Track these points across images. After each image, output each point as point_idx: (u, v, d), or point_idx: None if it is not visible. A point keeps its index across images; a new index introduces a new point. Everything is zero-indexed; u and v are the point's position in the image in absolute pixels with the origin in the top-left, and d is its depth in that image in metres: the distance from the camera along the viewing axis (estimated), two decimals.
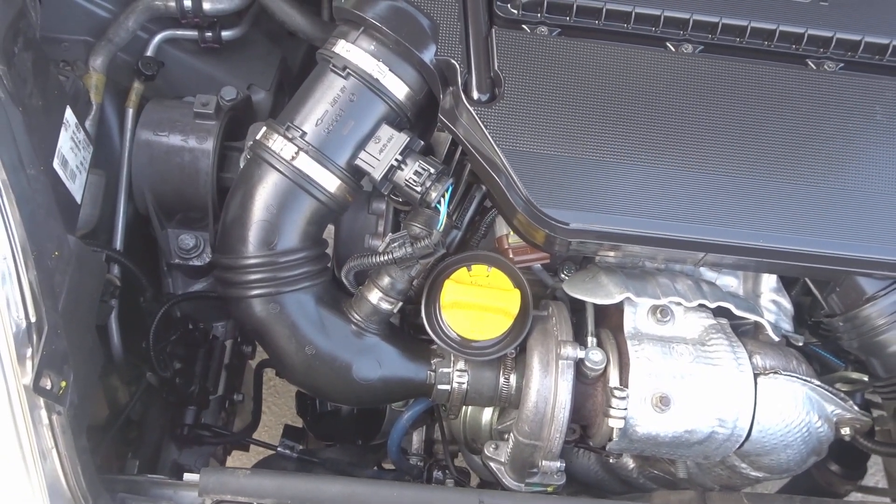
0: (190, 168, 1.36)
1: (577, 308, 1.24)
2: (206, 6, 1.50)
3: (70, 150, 1.09)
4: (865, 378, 1.28)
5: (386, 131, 1.09)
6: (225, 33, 1.58)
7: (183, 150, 1.36)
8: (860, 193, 1.09)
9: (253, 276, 1.09)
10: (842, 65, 1.15)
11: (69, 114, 1.07)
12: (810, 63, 1.15)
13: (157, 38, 1.53)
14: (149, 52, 1.52)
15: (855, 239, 1.07)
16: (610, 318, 1.22)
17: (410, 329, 1.31)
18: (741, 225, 1.07)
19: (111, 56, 1.45)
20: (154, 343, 1.32)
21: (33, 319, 0.80)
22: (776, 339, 1.18)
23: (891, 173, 1.09)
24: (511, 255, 1.24)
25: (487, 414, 1.33)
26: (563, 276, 1.29)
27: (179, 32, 1.55)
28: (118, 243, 1.40)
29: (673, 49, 1.14)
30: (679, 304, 1.16)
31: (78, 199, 1.13)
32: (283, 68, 1.74)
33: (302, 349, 1.11)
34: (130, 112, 1.43)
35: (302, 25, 1.41)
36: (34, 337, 0.80)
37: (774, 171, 1.09)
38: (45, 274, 0.82)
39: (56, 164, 1.03)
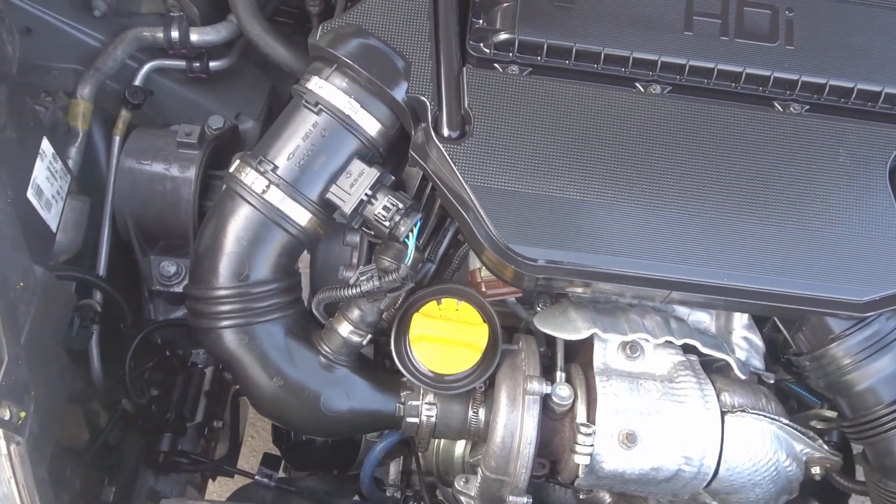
0: (172, 196, 1.38)
1: (551, 342, 1.25)
2: (194, 38, 1.53)
3: (46, 179, 1.11)
4: None
5: (357, 166, 1.11)
6: (213, 64, 1.61)
7: (165, 179, 1.38)
8: (824, 234, 1.10)
9: (223, 308, 1.11)
10: (807, 107, 1.17)
11: (46, 144, 1.10)
12: (776, 105, 1.17)
13: (146, 67, 1.56)
14: (137, 82, 1.55)
15: (819, 279, 1.08)
16: (583, 353, 1.23)
17: (384, 360, 1.32)
18: (705, 263, 1.08)
19: (99, 84, 1.48)
20: (131, 369, 1.34)
21: None
22: (743, 377, 1.19)
23: (854, 215, 1.10)
24: (483, 289, 1.25)
25: (460, 447, 1.34)
26: (538, 308, 1.30)
27: (168, 62, 1.58)
28: (101, 269, 1.41)
29: (642, 89, 1.16)
30: (647, 340, 1.17)
31: (53, 227, 1.15)
32: (272, 98, 1.77)
33: (270, 380, 1.12)
34: (117, 140, 1.46)
35: (286, 59, 1.44)
36: None
37: (740, 211, 1.10)
38: (8, 305, 0.83)
39: (30, 194, 1.05)
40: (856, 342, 1.14)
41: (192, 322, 1.16)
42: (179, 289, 1.45)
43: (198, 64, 1.58)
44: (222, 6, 1.56)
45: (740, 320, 1.28)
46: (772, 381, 1.27)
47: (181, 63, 1.58)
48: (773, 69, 1.16)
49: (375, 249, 1.18)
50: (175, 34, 1.51)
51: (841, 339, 1.14)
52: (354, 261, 1.27)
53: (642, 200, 1.09)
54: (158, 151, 1.40)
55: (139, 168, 1.38)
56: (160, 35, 1.51)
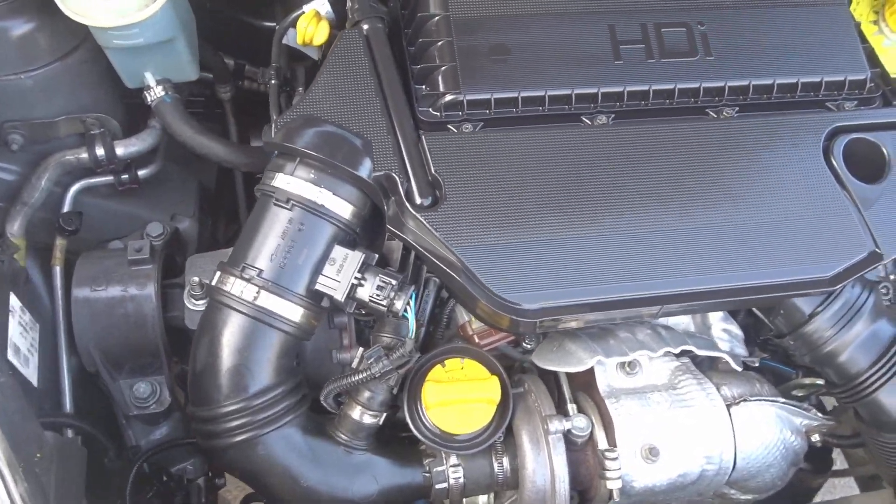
0: (135, 316, 1.33)
1: (542, 374, 1.28)
2: (120, 151, 1.49)
3: (20, 335, 1.06)
4: (819, 381, 1.37)
5: (340, 252, 1.11)
6: (142, 172, 1.57)
7: (125, 300, 1.33)
8: (781, 223, 1.18)
9: (234, 423, 1.08)
10: (738, 109, 1.25)
11: (14, 300, 1.04)
12: (710, 112, 1.25)
13: (73, 189, 1.51)
14: (66, 206, 1.50)
15: (785, 265, 1.16)
16: (578, 379, 1.27)
17: (394, 426, 1.31)
18: (686, 273, 1.14)
19: (28, 218, 1.42)
20: None
21: None
22: (739, 369, 1.25)
23: (802, 198, 1.19)
24: (477, 341, 1.27)
25: (483, 500, 1.34)
26: (525, 345, 1.33)
27: (95, 180, 1.53)
28: (68, 405, 1.35)
29: (589, 122, 1.22)
30: (648, 356, 1.22)
31: (35, 382, 1.09)
32: (201, 191, 1.74)
33: (298, 483, 1.10)
34: (58, 270, 1.39)
35: (224, 155, 1.43)
36: None
37: (702, 217, 1.17)
38: (33, 480, 0.79)
39: (10, 356, 1.00)
40: (830, 315, 1.22)
41: (202, 444, 1.12)
42: (158, 408, 1.39)
43: (126, 176, 1.54)
44: (142, 113, 1.52)
45: (715, 315, 1.35)
46: (756, 364, 1.35)
47: (109, 178, 1.53)
48: (701, 80, 1.24)
49: (372, 328, 1.18)
50: (100, 151, 1.46)
51: (816, 315, 1.23)
52: (346, 342, 1.26)
53: (614, 226, 1.14)
54: (111, 274, 1.35)
55: (95, 296, 1.33)
56: (85, 155, 1.46)
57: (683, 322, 1.36)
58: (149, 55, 1.37)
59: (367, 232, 1.19)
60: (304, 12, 1.31)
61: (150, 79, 1.41)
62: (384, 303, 1.09)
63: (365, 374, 1.09)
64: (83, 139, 1.48)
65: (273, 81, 1.34)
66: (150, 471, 1.41)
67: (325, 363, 1.27)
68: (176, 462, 1.50)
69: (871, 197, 1.21)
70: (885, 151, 1.24)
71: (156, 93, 1.42)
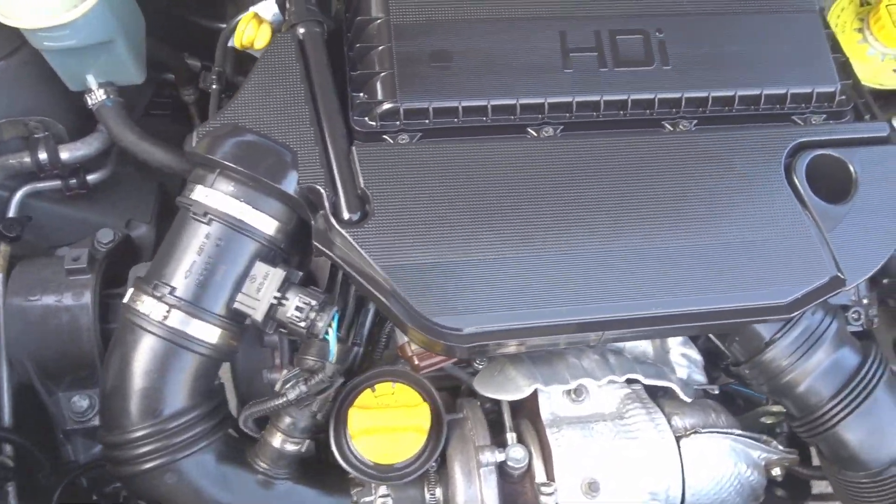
0: (70, 328, 1.28)
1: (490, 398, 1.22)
2: (65, 156, 1.44)
3: None
4: None
5: (261, 269, 1.05)
6: (91, 177, 1.53)
7: (59, 311, 1.28)
8: (737, 244, 1.10)
9: (143, 449, 1.02)
10: (696, 122, 1.18)
11: None
12: (667, 125, 1.18)
13: (18, 195, 1.47)
14: (11, 212, 1.46)
15: (740, 289, 1.09)
16: (526, 405, 1.20)
17: (327, 455, 1.25)
18: (632, 297, 1.07)
19: None
20: None
21: None
22: (688, 400, 1.18)
23: (761, 219, 1.12)
24: (416, 362, 1.21)
25: None
26: (476, 365, 1.27)
27: (41, 185, 1.48)
28: (6, 418, 1.30)
29: (535, 134, 1.15)
30: (590, 383, 1.15)
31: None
32: (161, 196, 1.69)
33: None
34: (0, 277, 1.35)
35: (167, 162, 1.37)
36: None
37: (652, 238, 1.10)
38: None
39: None
40: (788, 343, 1.15)
41: (112, 471, 1.07)
42: (97, 421, 1.35)
43: (74, 181, 1.49)
44: (91, 115, 1.48)
45: (675, 338, 1.28)
46: (717, 392, 1.28)
47: (56, 183, 1.49)
48: (656, 91, 1.17)
49: (298, 349, 1.12)
50: (43, 156, 1.42)
51: (774, 342, 1.15)
52: (277, 361, 1.21)
53: (556, 246, 1.07)
54: (47, 283, 1.30)
55: (29, 305, 1.28)
56: (27, 160, 1.42)
57: (641, 346, 1.28)
58: (87, 57, 1.32)
59: (296, 247, 1.13)
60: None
61: (91, 82, 1.36)
62: (303, 324, 1.03)
63: (281, 401, 1.03)
64: (27, 143, 1.44)
65: (214, 86, 1.29)
66: (85, 488, 1.36)
67: (256, 383, 1.21)
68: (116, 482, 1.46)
69: (834, 217, 1.13)
70: (851, 169, 1.16)
71: (97, 96, 1.37)
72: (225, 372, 1.23)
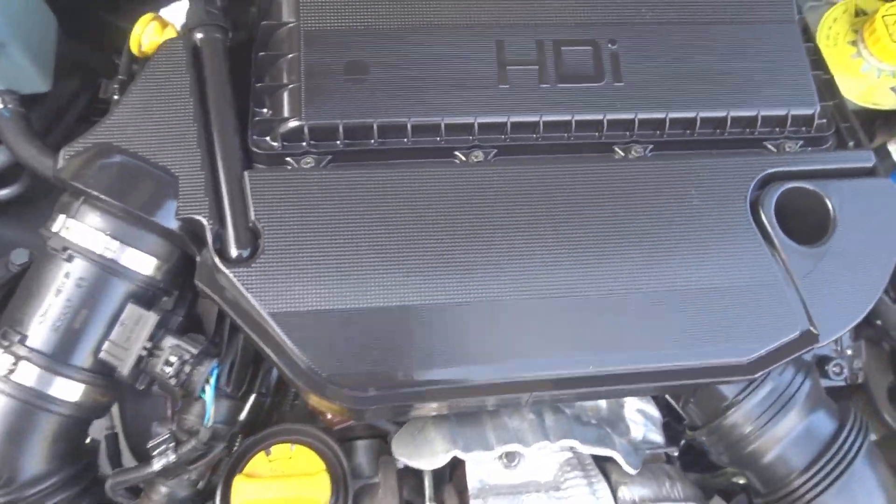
0: None
1: None
2: None
3: None
4: None
5: (133, 313, 0.91)
6: (2, 192, 1.39)
7: None
8: (693, 293, 0.95)
9: None
10: (651, 146, 1.02)
11: None
12: (617, 150, 1.02)
13: None
14: None
15: (695, 345, 0.93)
16: (458, 467, 1.05)
17: None
18: (568, 353, 0.91)
19: None
20: None
21: None
22: (632, 472, 1.02)
23: (721, 264, 0.96)
24: (329, 417, 1.06)
25: None
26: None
27: None
28: None
29: (463, 158, 1.00)
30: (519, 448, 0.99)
31: None
32: None
33: None
34: None
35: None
36: None
37: (593, 284, 0.94)
38: None
39: None
40: (753, 405, 0.99)
41: None
42: None
43: None
44: None
45: None
46: (676, 454, 1.12)
47: None
48: (605, 111, 1.01)
49: (179, 408, 0.97)
50: None
51: (736, 405, 0.99)
52: (171, 411, 1.06)
53: (480, 293, 0.92)
54: None
55: None
56: None
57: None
58: None
59: (185, 287, 0.98)
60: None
61: None
62: (174, 381, 0.88)
63: (146, 472, 0.88)
64: None
65: (116, 97, 1.14)
66: None
67: (146, 435, 1.06)
68: None
69: (807, 261, 0.97)
70: (828, 205, 1.00)
71: None
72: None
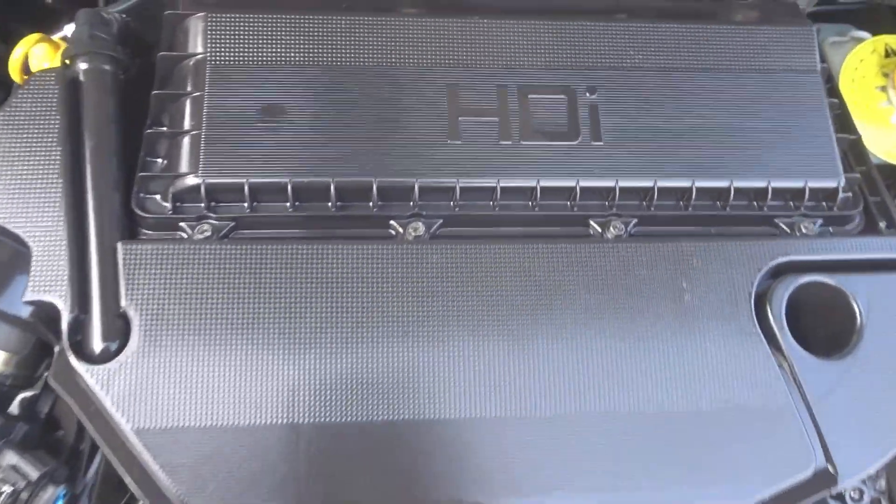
0: None
1: None
2: None
3: None
4: None
5: None
6: None
7: None
8: (678, 417, 0.75)
9: None
10: (635, 221, 0.83)
11: None
12: (593, 224, 0.83)
13: None
14: None
15: (682, 484, 0.73)
16: None
17: None
18: (519, 489, 0.72)
19: None
20: None
21: None
22: None
23: (713, 379, 0.76)
24: None
25: None
26: None
27: None
28: None
29: (400, 231, 0.80)
30: None
31: None
32: None
33: None
34: None
35: None
36: None
37: (555, 403, 0.74)
38: None
39: None
40: None
41: None
42: None
43: None
44: None
45: None
46: None
47: None
48: (579, 177, 0.81)
49: None
50: None
51: None
52: None
53: (410, 415, 0.72)
54: None
55: None
56: None
57: None
58: None
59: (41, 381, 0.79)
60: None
61: None
62: None
63: None
64: None
65: None
66: None
67: None
68: None
69: (826, 378, 0.77)
70: (854, 306, 0.79)
71: None
72: None
